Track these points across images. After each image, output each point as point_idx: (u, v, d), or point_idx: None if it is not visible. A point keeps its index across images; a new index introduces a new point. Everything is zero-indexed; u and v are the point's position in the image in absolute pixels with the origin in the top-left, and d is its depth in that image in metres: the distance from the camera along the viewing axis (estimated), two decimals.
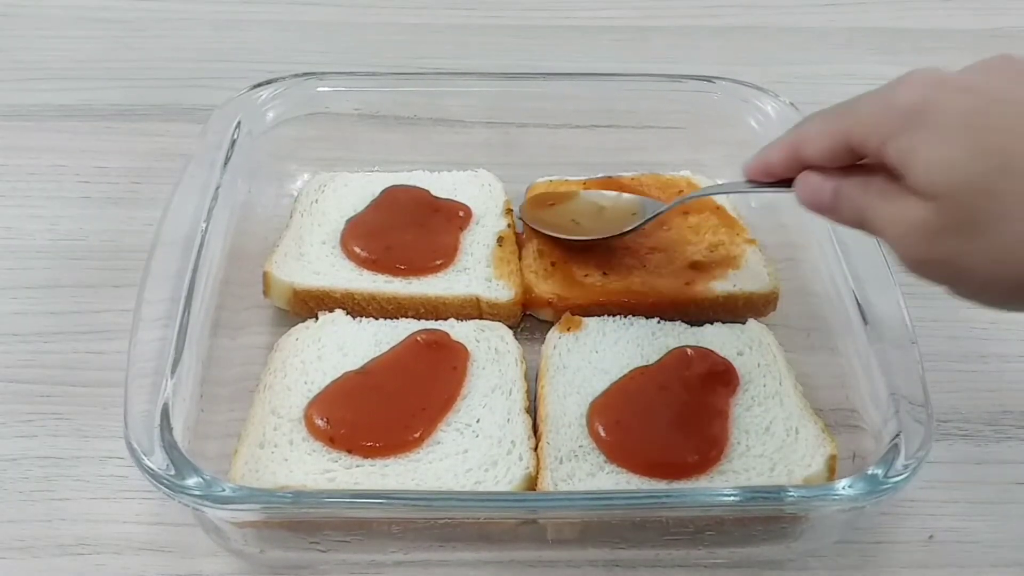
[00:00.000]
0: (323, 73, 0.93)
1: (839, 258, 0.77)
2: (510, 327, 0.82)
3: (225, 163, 0.83)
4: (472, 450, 0.71)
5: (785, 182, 0.63)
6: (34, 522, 0.70)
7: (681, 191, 0.91)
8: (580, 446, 0.72)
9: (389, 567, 0.69)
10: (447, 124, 0.96)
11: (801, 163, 0.61)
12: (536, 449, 0.72)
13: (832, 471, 0.70)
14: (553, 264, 0.86)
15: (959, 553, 0.71)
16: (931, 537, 0.72)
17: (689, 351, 0.78)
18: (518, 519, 0.68)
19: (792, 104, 0.91)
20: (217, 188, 0.80)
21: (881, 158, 0.55)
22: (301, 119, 0.92)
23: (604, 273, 0.85)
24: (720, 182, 0.87)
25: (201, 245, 0.75)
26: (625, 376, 0.77)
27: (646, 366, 0.77)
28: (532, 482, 0.70)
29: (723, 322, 0.83)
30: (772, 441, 0.72)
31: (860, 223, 0.59)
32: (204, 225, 0.77)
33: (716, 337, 0.81)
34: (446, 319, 0.82)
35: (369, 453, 0.70)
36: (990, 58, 0.55)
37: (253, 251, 0.84)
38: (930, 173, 0.53)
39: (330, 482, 0.68)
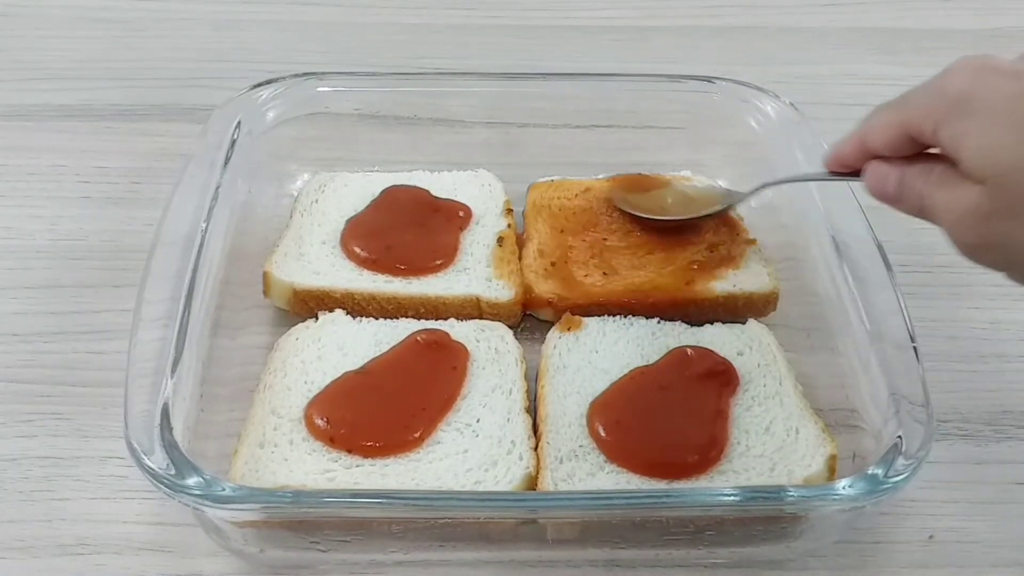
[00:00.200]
0: (323, 73, 0.93)
1: (839, 258, 0.77)
2: (510, 327, 0.82)
3: (225, 163, 0.83)
4: (472, 450, 0.71)
5: (859, 173, 0.65)
6: (34, 522, 0.71)
7: None
8: (580, 446, 0.72)
9: (389, 567, 0.69)
10: (447, 124, 0.96)
11: (868, 154, 0.63)
12: (536, 449, 0.72)
13: (832, 471, 0.70)
14: (553, 264, 0.86)
15: (959, 553, 0.71)
16: (931, 537, 0.72)
17: (689, 351, 0.78)
18: (518, 519, 0.68)
19: (792, 104, 0.91)
20: (217, 188, 0.80)
21: (936, 145, 0.56)
22: (301, 119, 0.92)
23: (604, 273, 0.85)
24: (804, 172, 0.83)
25: (201, 245, 0.75)
26: (625, 376, 0.77)
27: (646, 366, 0.78)
28: (532, 482, 0.70)
29: (723, 322, 0.83)
30: (772, 441, 0.72)
31: (920, 211, 0.60)
32: (204, 225, 0.77)
33: (716, 337, 0.81)
34: (446, 319, 0.82)
35: (369, 453, 0.70)
36: None
37: (253, 251, 0.84)
38: (979, 157, 0.54)
39: (330, 482, 0.69)
